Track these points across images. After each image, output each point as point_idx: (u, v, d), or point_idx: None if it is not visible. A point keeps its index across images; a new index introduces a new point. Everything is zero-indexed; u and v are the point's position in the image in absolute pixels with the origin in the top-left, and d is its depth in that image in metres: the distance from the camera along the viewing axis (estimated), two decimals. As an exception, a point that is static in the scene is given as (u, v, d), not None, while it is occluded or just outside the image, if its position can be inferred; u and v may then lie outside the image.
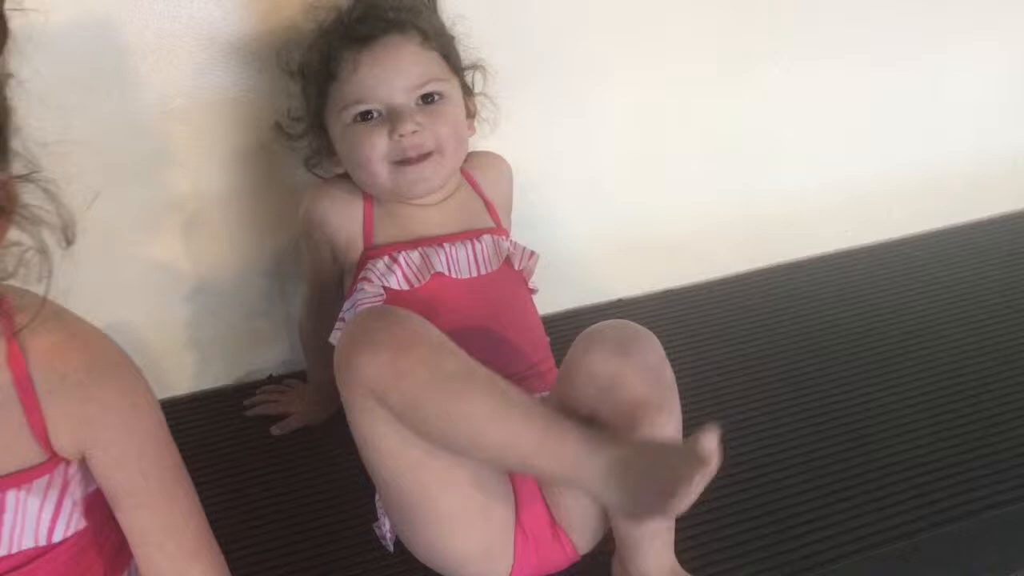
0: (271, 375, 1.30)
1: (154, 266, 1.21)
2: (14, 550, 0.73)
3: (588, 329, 0.91)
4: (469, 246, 1.07)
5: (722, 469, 0.78)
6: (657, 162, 1.41)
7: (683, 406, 0.92)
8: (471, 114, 1.12)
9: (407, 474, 0.89)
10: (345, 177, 1.10)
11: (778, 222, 1.52)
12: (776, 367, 1.30)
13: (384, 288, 1.04)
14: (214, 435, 1.21)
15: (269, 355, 1.30)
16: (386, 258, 1.05)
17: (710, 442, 0.76)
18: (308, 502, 1.11)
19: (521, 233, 1.17)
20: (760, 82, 1.42)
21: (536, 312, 1.13)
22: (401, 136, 1.02)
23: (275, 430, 1.21)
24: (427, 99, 1.04)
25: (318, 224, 1.09)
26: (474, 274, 1.07)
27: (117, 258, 1.17)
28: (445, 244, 1.07)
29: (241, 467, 1.16)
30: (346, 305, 1.07)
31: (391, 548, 1.01)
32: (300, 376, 1.26)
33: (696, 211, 1.46)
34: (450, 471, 0.89)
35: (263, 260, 1.25)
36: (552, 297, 1.26)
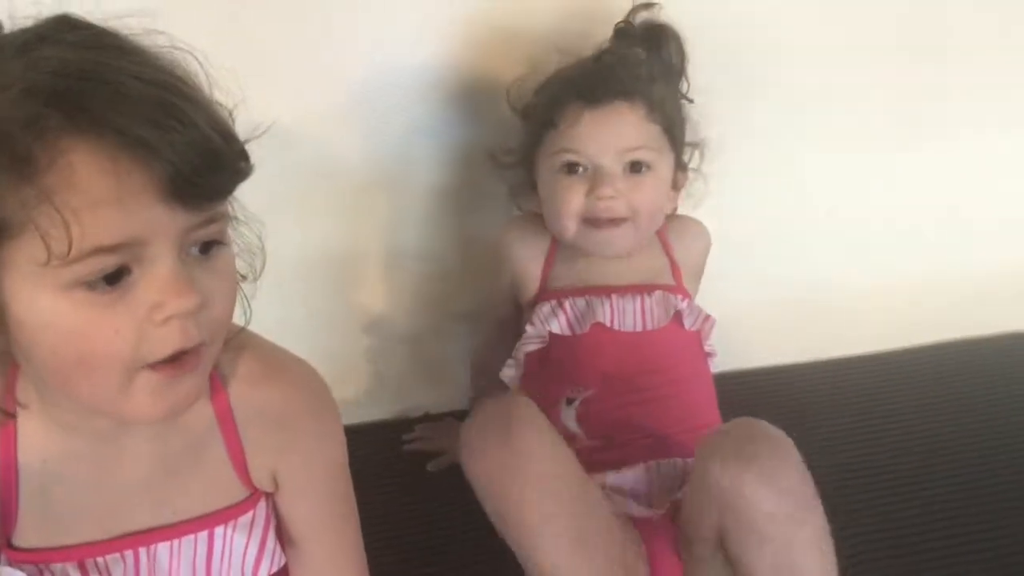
0: (427, 412, 1.31)
1: (327, 300, 1.24)
2: None
3: (711, 431, 0.89)
4: (638, 300, 1.08)
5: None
6: (838, 226, 1.39)
7: (852, 483, 0.89)
8: (677, 187, 1.11)
9: (536, 553, 0.88)
10: (538, 218, 1.12)
11: (968, 296, 1.46)
12: (951, 444, 1.26)
13: (548, 332, 1.07)
14: (372, 466, 1.21)
15: (428, 392, 1.32)
16: (553, 302, 1.08)
17: None
18: (457, 537, 1.11)
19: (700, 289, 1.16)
20: (955, 150, 1.38)
21: (708, 375, 1.11)
22: (598, 198, 1.03)
23: (431, 467, 1.22)
24: (635, 167, 1.04)
25: (505, 254, 1.13)
26: (639, 328, 1.07)
27: (295, 291, 1.20)
28: (613, 295, 1.07)
29: (394, 499, 1.17)
30: (518, 344, 1.09)
31: None
32: (456, 415, 1.26)
33: (878, 279, 1.43)
34: (581, 549, 0.88)
35: (431, 302, 1.28)
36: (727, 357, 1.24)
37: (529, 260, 1.11)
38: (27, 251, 0.56)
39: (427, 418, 1.30)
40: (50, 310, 0.58)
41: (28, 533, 0.69)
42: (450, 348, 1.29)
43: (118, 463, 0.70)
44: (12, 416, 0.66)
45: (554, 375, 1.07)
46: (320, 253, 1.20)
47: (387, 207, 1.21)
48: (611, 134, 1.03)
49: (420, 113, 1.16)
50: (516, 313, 1.15)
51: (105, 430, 0.68)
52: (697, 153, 1.12)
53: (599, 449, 1.03)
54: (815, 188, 1.35)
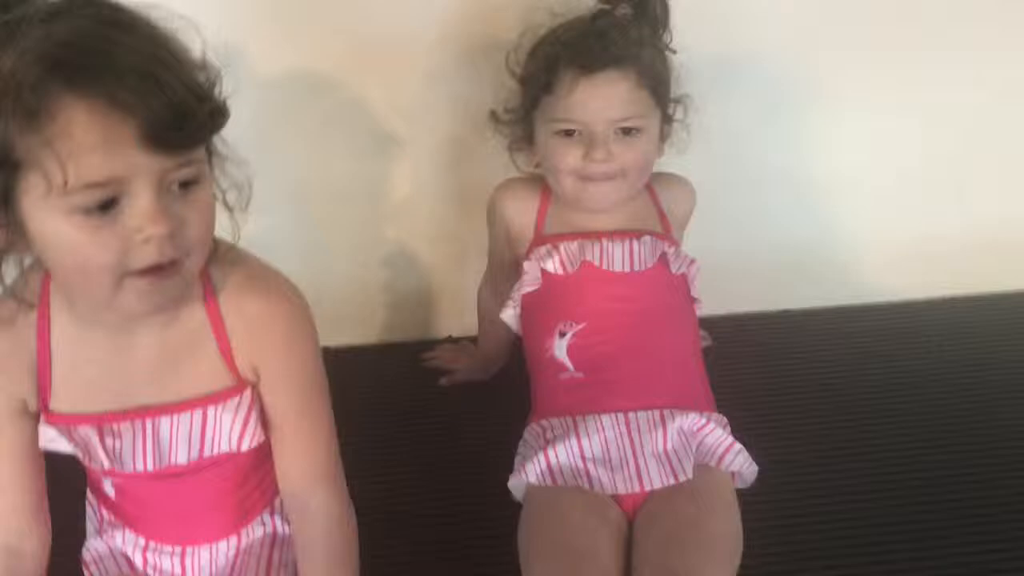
0: (450, 336, 1.47)
1: (363, 232, 1.42)
2: (213, 453, 0.92)
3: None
4: (627, 243, 1.18)
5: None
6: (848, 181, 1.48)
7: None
8: (663, 138, 1.22)
9: None
10: (528, 178, 1.25)
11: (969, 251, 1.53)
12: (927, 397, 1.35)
13: (542, 271, 1.19)
14: (395, 381, 1.40)
15: (450, 318, 1.49)
16: (548, 245, 1.20)
17: None
18: (458, 449, 1.28)
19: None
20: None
21: (693, 319, 1.22)
22: (592, 161, 1.14)
23: (444, 381, 1.39)
24: (626, 131, 1.15)
25: (499, 213, 1.25)
26: (626, 269, 1.18)
27: (338, 221, 1.39)
28: (603, 239, 1.19)
29: (409, 410, 1.34)
30: (515, 286, 1.22)
31: (520, 499, 1.14)
32: (472, 339, 1.43)
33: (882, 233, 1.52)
34: None
35: (454, 237, 1.44)
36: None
37: (522, 215, 1.23)
38: (36, 183, 0.74)
39: (449, 340, 1.46)
40: (56, 230, 0.76)
41: (60, 401, 0.89)
42: (466, 280, 1.42)
43: (129, 350, 0.88)
44: (32, 306, 0.85)
45: (549, 312, 1.19)
46: (344, 188, 1.37)
47: (407, 152, 1.37)
48: (604, 104, 1.13)
49: (434, 67, 1.30)
50: (512, 259, 1.26)
51: (116, 324, 0.86)
52: (681, 106, 1.22)
53: (585, 385, 1.15)
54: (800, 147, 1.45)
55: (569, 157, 1.15)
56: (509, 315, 1.23)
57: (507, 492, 1.14)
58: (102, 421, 0.89)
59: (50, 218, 0.75)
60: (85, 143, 0.72)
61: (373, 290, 1.46)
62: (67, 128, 0.72)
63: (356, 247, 1.43)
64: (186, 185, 0.79)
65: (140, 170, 0.75)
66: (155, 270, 0.78)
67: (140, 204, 0.75)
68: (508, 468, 1.15)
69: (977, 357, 1.42)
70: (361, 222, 1.43)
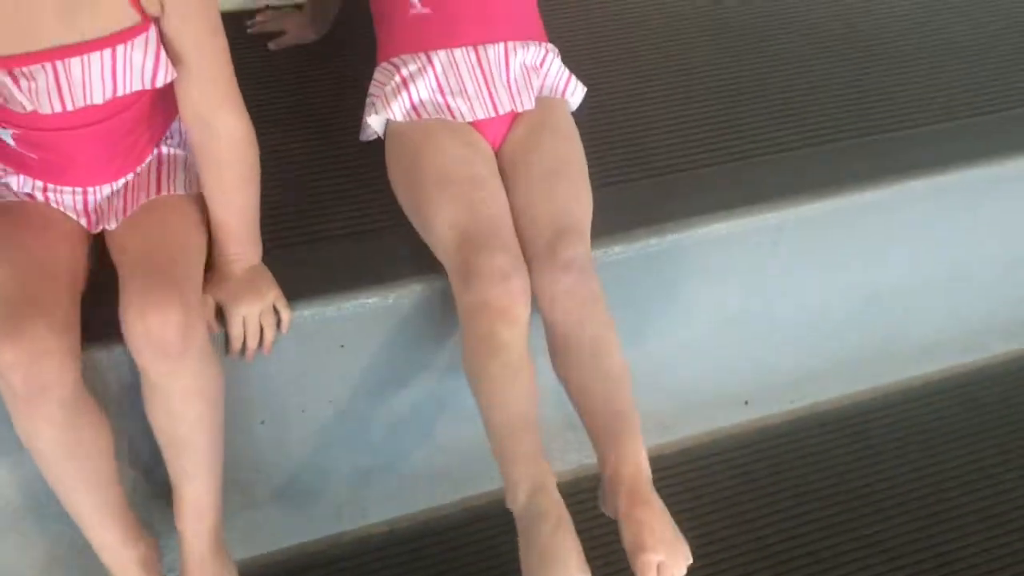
0: (268, 5, 1.53)
1: None
2: (127, 91, 0.99)
3: None
4: None
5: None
6: None
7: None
8: None
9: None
10: None
11: None
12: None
13: None
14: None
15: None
16: None
17: None
18: (299, 103, 1.40)
19: None
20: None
21: None
22: None
23: (271, 45, 1.47)
24: None
25: None
26: None
27: None
28: None
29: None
30: None
31: (379, 134, 1.26)
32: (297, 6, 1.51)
33: None
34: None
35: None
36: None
37: None
38: None
39: (268, 8, 1.53)
40: None
41: None
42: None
43: None
44: None
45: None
46: None
47: None
48: None
49: None
50: None
51: None
52: None
53: (431, 19, 1.23)
54: None
55: None
56: None
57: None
58: (11, 64, 0.94)
59: None
60: None
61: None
62: None
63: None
64: None
65: None
66: None
67: None
68: (355, 112, 1.27)
69: None
70: None
